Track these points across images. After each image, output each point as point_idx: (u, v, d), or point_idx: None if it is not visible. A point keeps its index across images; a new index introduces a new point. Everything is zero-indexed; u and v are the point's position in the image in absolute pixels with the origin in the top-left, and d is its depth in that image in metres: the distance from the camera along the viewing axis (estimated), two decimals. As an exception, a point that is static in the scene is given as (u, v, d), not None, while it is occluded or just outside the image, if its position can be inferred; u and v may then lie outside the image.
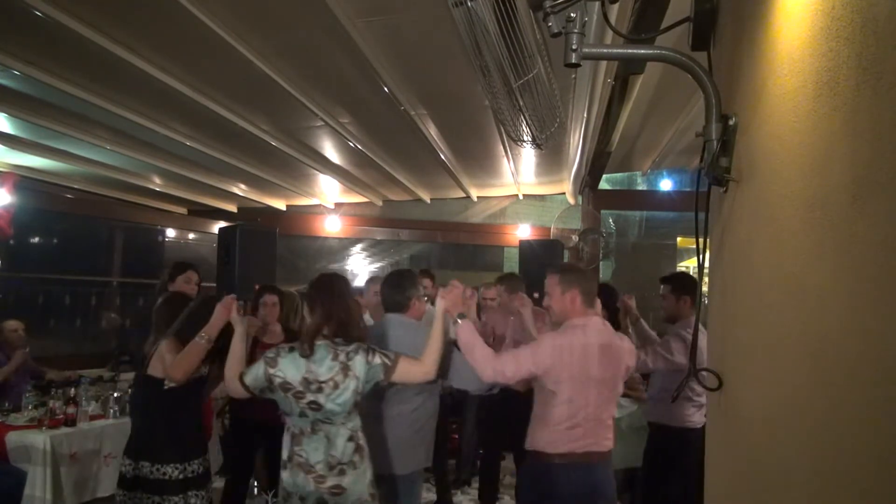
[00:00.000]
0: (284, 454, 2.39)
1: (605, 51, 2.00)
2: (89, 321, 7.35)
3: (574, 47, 1.62)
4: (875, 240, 0.87)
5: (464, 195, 7.71)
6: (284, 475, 2.37)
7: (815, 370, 1.07)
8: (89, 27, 3.31)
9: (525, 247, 6.83)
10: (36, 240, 6.97)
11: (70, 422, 4.07)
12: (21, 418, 4.15)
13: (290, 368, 2.35)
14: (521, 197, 7.94)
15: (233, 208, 8.39)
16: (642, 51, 1.94)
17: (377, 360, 2.42)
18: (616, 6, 2.59)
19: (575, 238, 7.11)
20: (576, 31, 1.61)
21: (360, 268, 8.53)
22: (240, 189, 7.43)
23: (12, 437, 3.92)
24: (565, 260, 7.06)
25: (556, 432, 2.53)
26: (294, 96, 4.18)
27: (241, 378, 2.41)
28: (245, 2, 3.16)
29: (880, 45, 0.86)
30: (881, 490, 0.84)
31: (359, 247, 8.62)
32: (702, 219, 1.73)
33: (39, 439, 3.83)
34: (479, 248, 8.53)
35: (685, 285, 3.30)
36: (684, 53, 1.69)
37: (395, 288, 2.93)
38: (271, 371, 2.35)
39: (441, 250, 8.76)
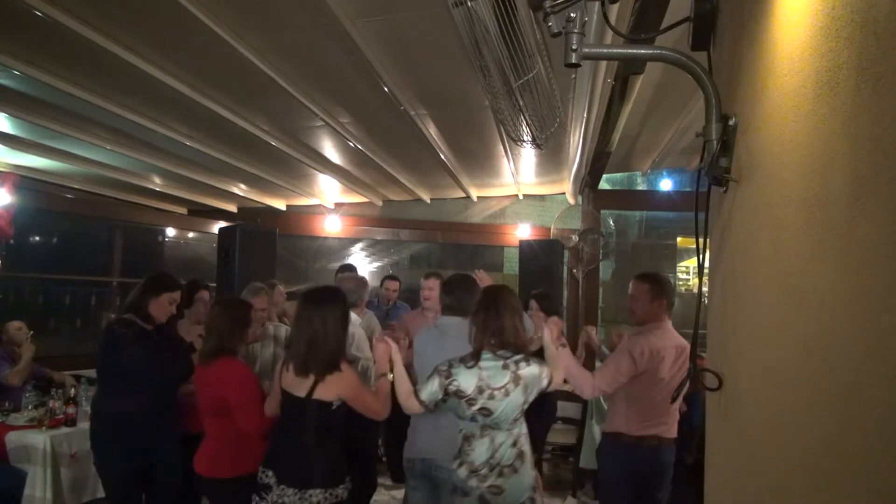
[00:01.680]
0: (456, 452, 2.58)
1: (605, 51, 2.00)
2: (89, 321, 7.36)
3: (574, 47, 1.62)
4: (875, 240, 0.87)
5: (464, 195, 7.71)
6: (459, 470, 2.54)
7: (815, 370, 1.07)
8: (89, 27, 3.31)
9: (525, 247, 6.84)
10: (36, 240, 6.97)
11: (70, 422, 4.07)
12: (21, 418, 4.15)
13: (464, 377, 2.48)
14: (521, 197, 7.94)
15: (233, 208, 8.39)
16: (642, 51, 1.94)
17: (543, 370, 2.59)
18: (616, 6, 2.59)
19: (575, 238, 7.11)
20: (576, 31, 1.61)
21: (359, 268, 8.53)
22: (240, 189, 7.43)
23: (12, 437, 3.92)
24: (565, 260, 7.07)
25: (631, 421, 3.10)
26: (294, 96, 4.18)
27: (416, 396, 2.53)
28: (245, 2, 3.16)
29: (880, 45, 0.86)
30: (881, 490, 0.84)
31: (359, 247, 8.62)
32: (702, 219, 1.73)
33: (39, 439, 3.84)
34: (479, 248, 8.52)
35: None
36: (684, 53, 1.69)
37: (464, 291, 3.02)
38: (446, 382, 2.50)
39: (441, 250, 8.76)
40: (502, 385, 2.46)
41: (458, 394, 2.46)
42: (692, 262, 8.29)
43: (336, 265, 8.60)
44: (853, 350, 0.93)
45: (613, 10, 2.71)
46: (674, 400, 2.67)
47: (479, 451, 2.49)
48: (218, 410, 2.82)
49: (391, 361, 2.69)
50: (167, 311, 3.30)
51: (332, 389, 2.51)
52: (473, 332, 2.56)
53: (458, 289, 3.04)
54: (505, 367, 2.49)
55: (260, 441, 2.73)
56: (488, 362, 2.49)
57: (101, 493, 4.13)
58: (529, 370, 2.51)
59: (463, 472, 2.50)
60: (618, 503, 3.21)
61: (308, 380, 2.52)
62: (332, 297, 2.64)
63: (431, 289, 4.56)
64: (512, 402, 2.47)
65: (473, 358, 2.50)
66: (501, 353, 2.52)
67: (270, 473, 2.54)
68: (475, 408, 2.46)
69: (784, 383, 1.22)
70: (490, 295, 2.64)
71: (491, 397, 2.45)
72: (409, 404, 2.55)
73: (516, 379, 2.47)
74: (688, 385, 2.09)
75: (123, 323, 3.19)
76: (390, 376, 2.67)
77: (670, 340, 3.13)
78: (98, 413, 3.25)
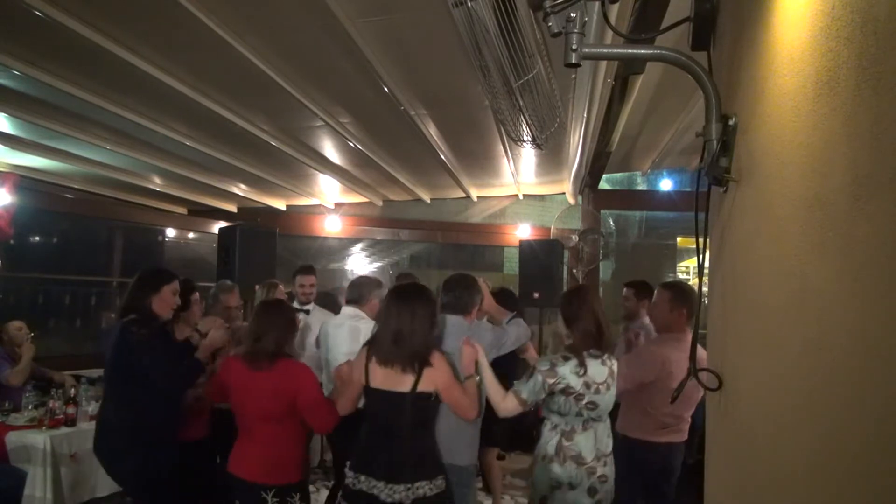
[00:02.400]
0: (549, 450, 2.68)
1: (605, 51, 2.00)
2: (89, 321, 7.36)
3: (574, 47, 1.62)
4: (875, 239, 0.87)
5: (464, 195, 7.71)
6: (554, 468, 2.65)
7: (815, 370, 1.07)
8: (89, 27, 3.31)
9: (525, 247, 6.84)
10: (36, 240, 6.97)
11: (70, 422, 4.07)
12: (21, 418, 4.15)
13: (570, 375, 2.62)
14: (521, 197, 7.94)
15: (233, 208, 8.38)
16: (642, 51, 1.94)
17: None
18: (616, 6, 2.59)
19: (575, 238, 7.11)
20: (576, 31, 1.61)
21: (360, 268, 8.53)
22: (240, 189, 7.43)
23: (12, 437, 3.92)
24: (565, 260, 7.07)
25: (646, 428, 3.25)
26: (294, 96, 4.18)
27: (517, 395, 2.65)
28: (245, 2, 3.16)
29: (880, 45, 0.86)
30: (882, 490, 0.84)
31: (359, 247, 8.62)
32: (702, 219, 1.73)
33: (39, 439, 3.84)
34: (479, 248, 8.53)
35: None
36: (684, 53, 1.69)
37: (463, 290, 3.08)
38: (551, 381, 2.62)
39: (441, 250, 8.76)
40: (604, 380, 2.67)
41: (567, 391, 2.62)
42: (692, 262, 8.29)
43: (336, 265, 8.63)
44: (853, 350, 0.93)
45: (613, 10, 2.72)
46: (673, 400, 2.67)
47: (586, 444, 2.67)
48: (281, 414, 2.75)
49: (477, 364, 2.74)
50: (171, 305, 3.12)
51: (430, 382, 2.56)
52: (574, 334, 2.73)
53: (458, 287, 3.06)
54: (602, 363, 2.71)
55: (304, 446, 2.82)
56: (589, 360, 2.67)
57: (100, 493, 4.14)
58: (614, 365, 2.79)
59: (570, 466, 2.64)
60: (624, 496, 3.26)
61: (406, 375, 2.54)
62: (420, 294, 2.67)
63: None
64: (610, 395, 2.72)
65: (576, 356, 2.66)
66: (594, 351, 2.71)
67: (363, 478, 2.51)
68: (583, 402, 2.64)
69: (784, 383, 1.22)
70: (583, 298, 2.80)
71: (597, 392, 2.65)
72: (508, 405, 2.66)
73: (612, 373, 2.73)
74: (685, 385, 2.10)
75: (139, 323, 2.97)
76: (477, 378, 2.72)
77: (686, 353, 3.11)
78: (109, 419, 3.04)
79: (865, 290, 0.90)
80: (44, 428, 3.96)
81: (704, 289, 2.06)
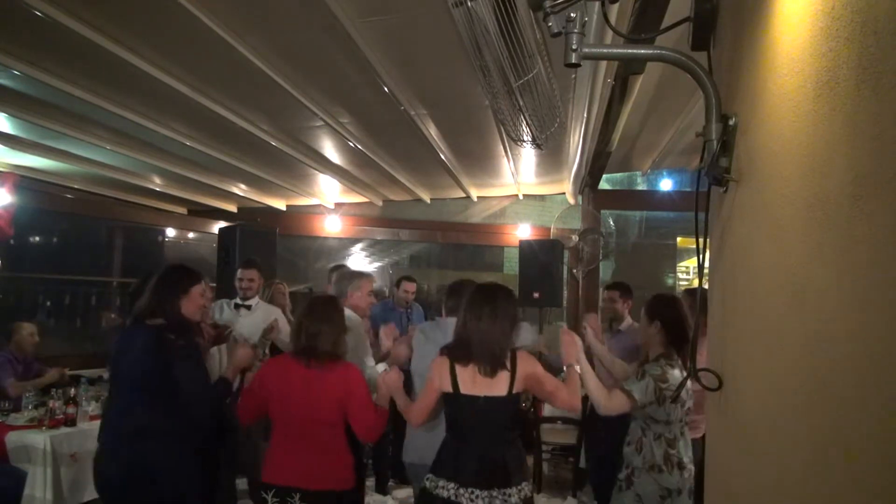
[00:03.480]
0: (658, 459, 2.67)
1: (605, 51, 2.00)
2: (89, 321, 7.35)
3: (574, 47, 1.62)
4: (875, 240, 0.87)
5: (464, 195, 7.71)
6: (664, 477, 2.65)
7: (814, 370, 1.07)
8: (90, 27, 3.31)
9: (525, 247, 6.84)
10: (36, 240, 6.97)
11: (70, 422, 4.07)
12: (21, 418, 4.15)
13: (676, 383, 2.64)
14: (521, 197, 7.94)
15: (233, 208, 8.38)
16: (642, 51, 1.94)
17: None
18: (616, 6, 2.59)
19: (575, 238, 7.11)
20: (576, 31, 1.61)
21: (360, 268, 8.53)
22: (240, 189, 7.43)
23: (12, 437, 3.92)
24: (565, 260, 7.07)
25: None
26: (294, 96, 4.18)
27: (627, 394, 2.62)
28: (245, 2, 3.16)
29: (880, 45, 0.86)
30: (881, 490, 0.84)
31: (359, 247, 8.62)
32: (702, 219, 1.73)
33: (39, 439, 3.84)
34: (479, 248, 8.53)
35: (629, 290, 3.93)
36: (684, 53, 1.69)
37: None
38: (663, 385, 2.63)
39: (441, 250, 8.76)
40: (689, 386, 2.62)
41: (675, 398, 2.62)
42: (692, 262, 8.29)
43: (335, 265, 8.62)
44: (853, 350, 0.93)
45: (613, 10, 2.72)
46: (674, 400, 2.67)
47: (685, 450, 2.72)
48: (335, 418, 2.64)
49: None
50: (200, 307, 2.88)
51: (521, 382, 2.49)
52: (669, 341, 2.76)
53: (465, 293, 3.05)
54: (681, 370, 2.71)
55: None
56: (677, 369, 2.71)
57: (101, 493, 4.14)
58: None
59: (676, 473, 2.66)
60: None
61: (499, 379, 2.45)
62: (501, 294, 2.59)
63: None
64: (689, 400, 2.76)
65: (670, 362, 2.71)
66: (677, 358, 2.77)
67: (452, 485, 2.41)
68: (684, 409, 2.72)
69: (784, 383, 1.22)
70: (676, 308, 2.86)
71: (691, 397, 2.73)
72: (614, 403, 2.62)
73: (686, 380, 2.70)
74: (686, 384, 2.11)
75: (175, 331, 2.68)
76: (578, 368, 2.65)
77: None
78: (155, 426, 2.67)
79: (865, 290, 0.90)
80: (44, 428, 3.96)
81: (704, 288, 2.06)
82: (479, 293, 2.58)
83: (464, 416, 2.50)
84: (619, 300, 4.09)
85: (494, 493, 2.39)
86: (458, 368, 2.48)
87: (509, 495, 2.40)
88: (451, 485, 2.41)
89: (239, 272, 4.55)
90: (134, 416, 2.66)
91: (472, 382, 2.46)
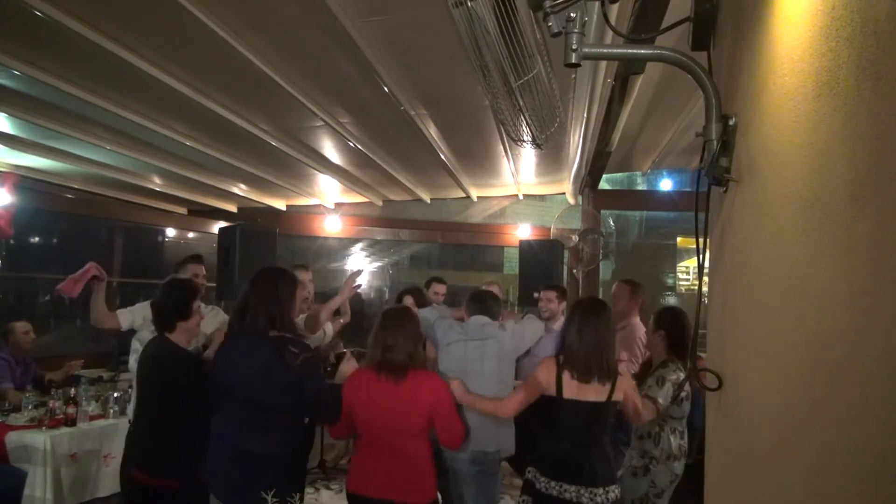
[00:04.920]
0: (675, 450, 3.09)
1: (605, 51, 2.00)
2: (89, 321, 7.34)
3: (574, 47, 1.62)
4: (875, 239, 0.87)
5: (464, 195, 7.71)
6: (676, 465, 3.09)
7: (815, 370, 1.07)
8: (90, 27, 3.31)
9: (525, 247, 6.84)
10: (36, 240, 6.97)
11: (70, 422, 4.07)
12: (21, 418, 4.15)
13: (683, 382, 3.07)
14: (521, 197, 7.93)
15: (233, 208, 8.38)
16: (642, 51, 1.94)
17: None
18: (616, 6, 2.59)
19: (575, 238, 7.10)
20: (576, 31, 1.61)
21: (360, 268, 8.53)
22: (240, 189, 7.43)
23: (12, 437, 3.93)
24: (565, 260, 7.07)
25: None
26: (294, 96, 4.18)
27: (655, 402, 3.01)
28: (245, 2, 3.16)
29: (880, 45, 0.86)
30: (881, 490, 0.84)
31: (359, 247, 8.62)
32: (702, 219, 1.73)
33: (39, 439, 3.84)
34: (479, 248, 8.53)
35: (564, 292, 4.44)
36: (684, 53, 1.69)
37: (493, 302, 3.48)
38: (680, 391, 3.05)
39: (441, 250, 8.76)
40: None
41: (687, 397, 3.10)
42: (692, 262, 8.30)
43: (336, 265, 8.62)
44: (853, 350, 0.93)
45: (613, 10, 2.71)
46: (674, 400, 2.72)
47: (686, 441, 3.15)
48: (418, 428, 2.69)
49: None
50: (300, 306, 2.85)
51: (620, 391, 2.75)
52: (671, 348, 3.14)
53: (489, 299, 3.44)
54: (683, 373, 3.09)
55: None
56: (682, 372, 3.06)
57: (101, 493, 4.14)
58: None
59: (682, 461, 3.09)
60: None
61: (603, 386, 2.71)
62: (607, 308, 2.88)
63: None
64: None
65: (677, 367, 3.07)
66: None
67: (564, 486, 2.67)
68: (686, 403, 3.12)
69: (784, 383, 1.22)
70: (680, 319, 3.20)
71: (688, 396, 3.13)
72: (647, 413, 2.90)
73: (686, 380, 3.03)
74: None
75: (298, 345, 2.57)
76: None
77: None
78: (244, 446, 2.55)
79: (865, 289, 0.90)
80: (44, 428, 3.96)
81: (704, 289, 2.06)
82: (591, 308, 2.85)
83: (571, 418, 2.74)
84: (555, 300, 4.46)
85: (582, 490, 2.64)
86: (566, 375, 2.72)
87: (595, 494, 2.64)
88: (563, 485, 2.66)
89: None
90: (268, 434, 2.55)
91: (578, 389, 2.71)
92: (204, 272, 3.98)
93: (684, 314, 3.28)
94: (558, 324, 4.24)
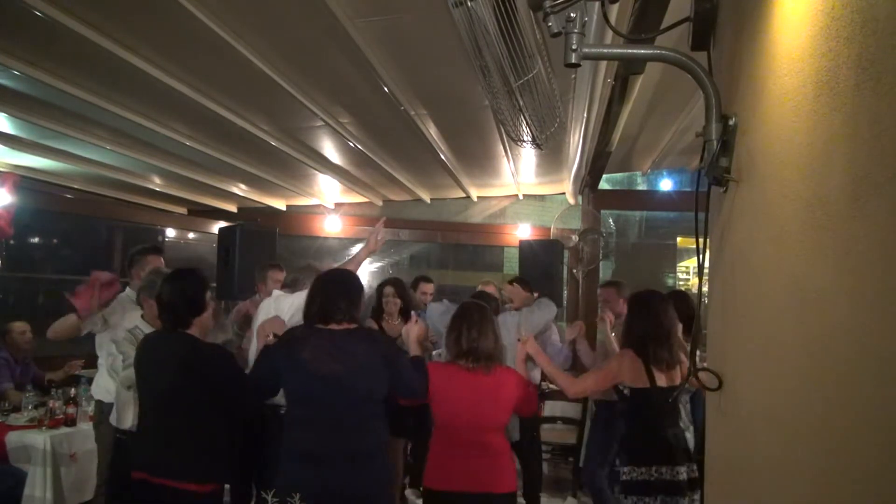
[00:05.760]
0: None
1: (605, 51, 2.00)
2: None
3: (574, 47, 1.62)
4: (875, 240, 0.87)
5: (464, 195, 7.71)
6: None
7: (815, 370, 1.07)
8: (90, 27, 3.31)
9: (525, 247, 6.83)
10: (36, 240, 6.97)
11: (70, 422, 4.07)
12: (21, 418, 4.15)
13: None
14: (521, 197, 7.93)
15: (233, 208, 8.38)
16: (642, 51, 1.94)
17: None
18: (616, 6, 2.59)
19: (575, 238, 7.10)
20: (576, 31, 1.61)
21: (360, 268, 8.52)
22: (240, 189, 7.43)
23: (12, 437, 3.93)
24: (565, 260, 7.07)
25: None
26: (294, 96, 4.18)
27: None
28: (245, 1, 3.16)
29: (880, 45, 0.86)
30: (881, 490, 0.84)
31: (359, 247, 8.60)
32: (702, 219, 1.73)
33: (39, 439, 3.84)
34: (479, 248, 8.52)
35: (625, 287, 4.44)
36: (684, 53, 1.69)
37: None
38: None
39: (441, 250, 8.75)
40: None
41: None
42: (692, 262, 8.29)
43: (336, 265, 8.60)
44: (853, 350, 0.93)
45: (613, 10, 2.71)
46: (673, 400, 2.72)
47: None
48: (506, 421, 2.75)
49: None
50: None
51: (683, 372, 2.90)
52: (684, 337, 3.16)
53: (484, 299, 3.54)
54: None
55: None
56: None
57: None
58: None
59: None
60: None
61: (674, 372, 2.89)
62: (665, 298, 3.03)
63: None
64: None
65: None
66: None
67: (664, 469, 2.79)
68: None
69: (784, 383, 1.22)
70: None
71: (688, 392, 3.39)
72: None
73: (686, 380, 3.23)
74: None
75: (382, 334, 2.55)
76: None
77: None
78: (356, 447, 2.46)
79: (865, 289, 0.90)
80: (44, 428, 3.96)
81: (704, 289, 2.06)
82: (662, 297, 3.04)
83: (661, 405, 2.87)
84: (615, 297, 4.55)
85: (686, 468, 2.78)
86: (653, 366, 2.86)
87: (692, 470, 2.79)
88: (662, 468, 2.78)
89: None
90: (372, 433, 2.50)
91: (665, 376, 2.87)
92: (163, 264, 3.72)
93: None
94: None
